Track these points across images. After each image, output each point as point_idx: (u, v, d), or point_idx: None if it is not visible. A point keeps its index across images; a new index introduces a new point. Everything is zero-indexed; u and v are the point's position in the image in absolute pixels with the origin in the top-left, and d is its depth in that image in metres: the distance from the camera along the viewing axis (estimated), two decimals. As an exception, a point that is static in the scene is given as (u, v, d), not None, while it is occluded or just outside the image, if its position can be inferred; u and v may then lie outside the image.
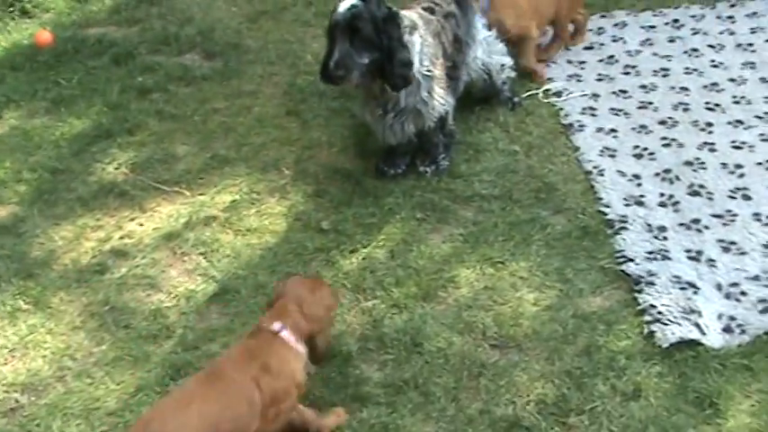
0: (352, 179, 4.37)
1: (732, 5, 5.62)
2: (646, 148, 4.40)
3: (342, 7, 3.86)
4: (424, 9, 4.24)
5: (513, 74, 4.76)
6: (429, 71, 4.09)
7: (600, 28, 5.50)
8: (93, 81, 5.26)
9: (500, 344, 3.44)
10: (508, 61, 4.71)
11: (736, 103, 4.71)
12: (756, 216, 3.91)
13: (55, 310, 3.75)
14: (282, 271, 3.84)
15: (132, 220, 4.22)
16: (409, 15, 4.09)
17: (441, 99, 4.18)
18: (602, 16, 5.64)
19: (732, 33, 5.34)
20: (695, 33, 5.37)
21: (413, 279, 3.74)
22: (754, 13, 5.51)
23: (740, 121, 4.55)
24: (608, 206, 4.05)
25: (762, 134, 4.44)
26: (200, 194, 4.35)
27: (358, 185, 4.32)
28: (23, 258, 4.02)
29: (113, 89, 5.15)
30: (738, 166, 4.23)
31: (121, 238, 4.11)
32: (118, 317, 3.69)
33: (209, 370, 2.95)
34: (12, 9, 6.03)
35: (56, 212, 4.28)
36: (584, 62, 5.20)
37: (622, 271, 3.71)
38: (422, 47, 4.03)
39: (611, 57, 5.20)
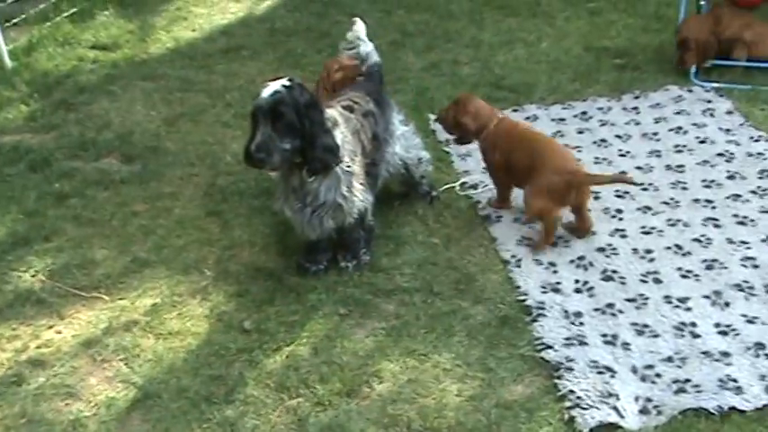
0: (274, 277, 4.38)
1: (636, 97, 5.89)
2: (560, 236, 4.52)
3: (265, 93, 3.96)
4: (344, 107, 4.36)
5: (430, 167, 4.88)
6: (349, 167, 4.19)
7: (513, 122, 5.69)
8: (9, 189, 5.21)
9: (425, 437, 3.45)
10: (425, 155, 4.85)
11: (645, 190, 4.89)
12: (667, 298, 4.04)
13: (-32, 425, 3.64)
14: (205, 374, 3.80)
15: (50, 327, 4.14)
16: (330, 112, 4.20)
17: (360, 195, 4.27)
18: (515, 110, 5.85)
19: (638, 123, 5.59)
20: (603, 125, 5.60)
21: (337, 375, 3.74)
22: (657, 104, 5.78)
23: (648, 207, 4.73)
24: (525, 294, 4.13)
25: (669, 219, 4.62)
26: (120, 299, 4.30)
27: (280, 283, 4.34)
28: (-65, 373, 3.91)
29: (29, 196, 5.11)
30: (648, 251, 4.38)
31: (39, 347, 4.03)
32: (35, 429, 3.59)
33: None
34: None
35: (-32, 324, 4.19)
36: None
37: (542, 358, 3.77)
38: (342, 143, 4.13)
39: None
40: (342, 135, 4.15)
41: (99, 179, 5.30)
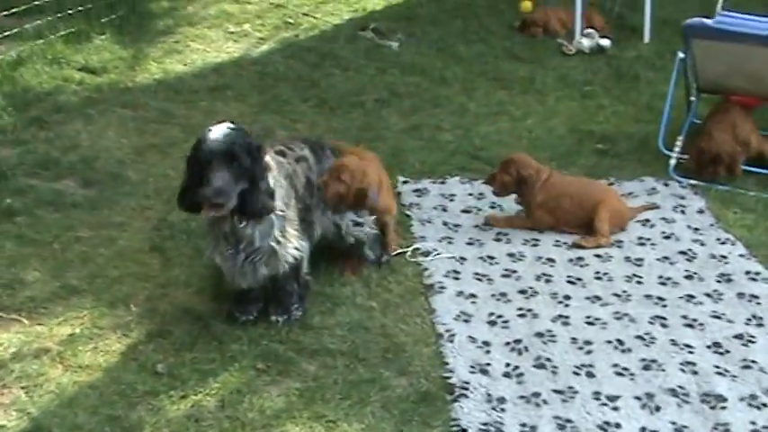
0: (201, 322, 4.25)
1: (610, 184, 5.75)
2: (501, 316, 4.39)
3: (215, 135, 3.86)
4: (276, 152, 4.27)
5: (372, 233, 4.75)
6: (282, 211, 4.08)
7: (480, 193, 5.59)
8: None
9: None
10: (366, 220, 4.70)
11: (598, 279, 4.75)
12: (596, 395, 3.87)
13: None
14: (104, 413, 3.65)
15: (-41, 346, 4.03)
16: None
17: (295, 241, 4.16)
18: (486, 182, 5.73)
19: (606, 210, 5.46)
20: (570, 208, 5.48)
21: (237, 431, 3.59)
22: (630, 193, 5.66)
23: (598, 297, 4.58)
24: (452, 371, 3.98)
25: (616, 312, 4.46)
26: (39, 324, 4.18)
27: (205, 329, 4.20)
28: None
29: (-23, 216, 5.03)
30: (588, 342, 4.22)
31: (-57, 364, 3.91)
32: None
33: None
34: None
35: None
36: (458, 225, 5.25)
37: (454, 441, 3.61)
38: (275, 188, 4.03)
39: (487, 222, 5.27)
40: (274, 180, 4.04)
41: (52, 200, 5.21)
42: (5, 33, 7.15)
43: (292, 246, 4.15)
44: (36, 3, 7.66)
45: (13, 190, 5.28)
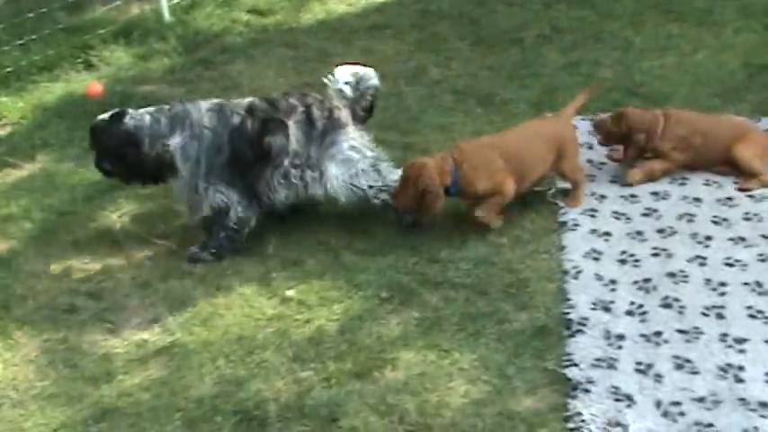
0: (332, 253, 4.42)
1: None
2: (632, 255, 4.27)
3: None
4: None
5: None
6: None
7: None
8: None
9: (415, 430, 3.38)
10: (389, 184, 4.56)
11: (747, 219, 4.51)
12: (723, 336, 3.71)
13: (15, 342, 3.93)
14: (233, 332, 3.91)
15: (116, 265, 4.40)
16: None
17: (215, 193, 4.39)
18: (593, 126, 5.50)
19: (765, 148, 5.13)
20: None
21: (353, 355, 3.74)
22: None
23: (743, 239, 4.35)
24: (572, 307, 3.93)
25: (761, 254, 4.23)
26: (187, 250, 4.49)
27: (336, 259, 4.37)
28: (6, 290, 4.25)
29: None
30: (723, 284, 4.04)
31: (99, 282, 4.29)
32: (69, 356, 3.84)
33: None
34: (78, 61, 6.45)
35: (49, 252, 4.52)
36: (603, 163, 5.11)
37: (564, 375, 3.58)
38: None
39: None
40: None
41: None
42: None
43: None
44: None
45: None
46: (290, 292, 4.16)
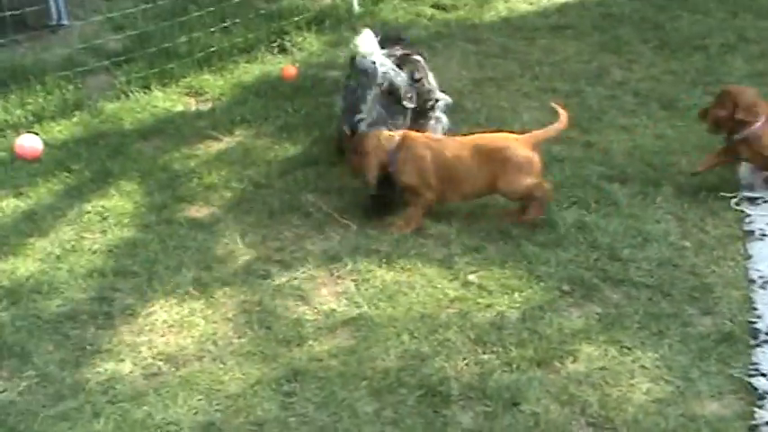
0: (514, 242, 4.52)
1: None
2: (834, 267, 4.18)
3: None
4: None
5: None
6: None
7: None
8: (318, 115, 5.81)
9: (596, 423, 3.44)
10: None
11: None
12: None
13: (216, 300, 4.21)
14: (417, 310, 4.06)
15: (307, 238, 4.64)
16: None
17: None
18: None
19: None
20: None
21: (534, 343, 3.82)
22: None
23: None
24: (759, 317, 3.89)
25: None
26: (372, 228, 4.68)
27: (517, 248, 4.47)
28: (207, 252, 4.55)
29: (331, 125, 5.65)
30: None
31: (292, 251, 4.54)
32: (264, 317, 4.08)
33: None
34: (274, 45, 6.79)
35: (247, 220, 4.80)
36: (792, 174, 5.00)
37: (750, 384, 3.56)
38: None
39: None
40: None
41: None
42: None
43: None
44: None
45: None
46: (471, 277, 4.28)
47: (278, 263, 4.46)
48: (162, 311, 4.13)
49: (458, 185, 4.65)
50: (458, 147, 4.68)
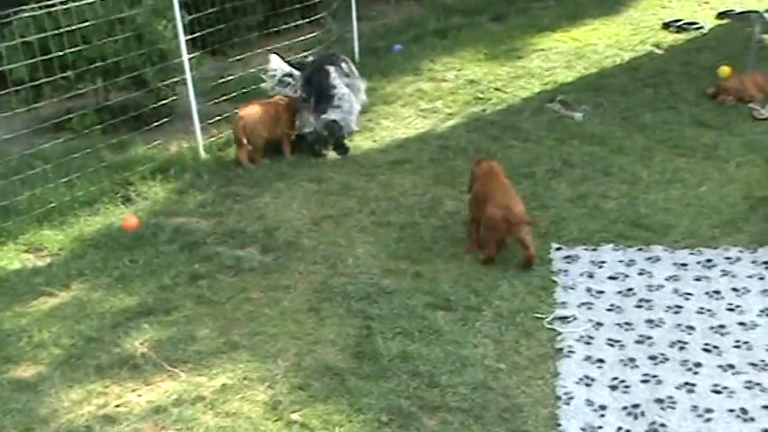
0: (339, 377, 4.66)
1: (775, 251, 5.61)
2: (623, 381, 4.44)
3: None
4: None
5: None
6: None
7: (631, 260, 5.63)
8: (156, 264, 5.91)
9: None
10: None
11: (737, 347, 4.67)
12: (705, 463, 3.85)
13: (36, 461, 4.19)
14: (238, 454, 4.13)
15: (134, 391, 4.67)
16: None
17: None
18: (639, 249, 5.77)
19: (762, 279, 5.32)
20: (724, 275, 5.39)
21: (348, 478, 3.93)
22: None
23: (732, 366, 4.51)
24: (562, 433, 4.11)
25: (748, 382, 4.38)
26: (199, 375, 4.76)
27: (341, 384, 4.61)
28: (29, 413, 4.53)
29: (169, 273, 5.77)
30: (709, 410, 4.18)
31: (117, 406, 4.56)
32: (84, 476, 4.08)
33: None
34: (118, 195, 6.92)
35: (73, 376, 4.81)
36: (602, 292, 5.33)
37: (549, 499, 3.74)
38: None
39: (630, 289, 5.31)
40: None
41: (232, 265, 5.88)
42: (216, 118, 8.07)
43: None
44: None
45: (202, 257, 6.00)
46: (294, 416, 4.39)
47: (102, 418, 4.47)
48: (-22, 478, 4.09)
49: None
50: None
